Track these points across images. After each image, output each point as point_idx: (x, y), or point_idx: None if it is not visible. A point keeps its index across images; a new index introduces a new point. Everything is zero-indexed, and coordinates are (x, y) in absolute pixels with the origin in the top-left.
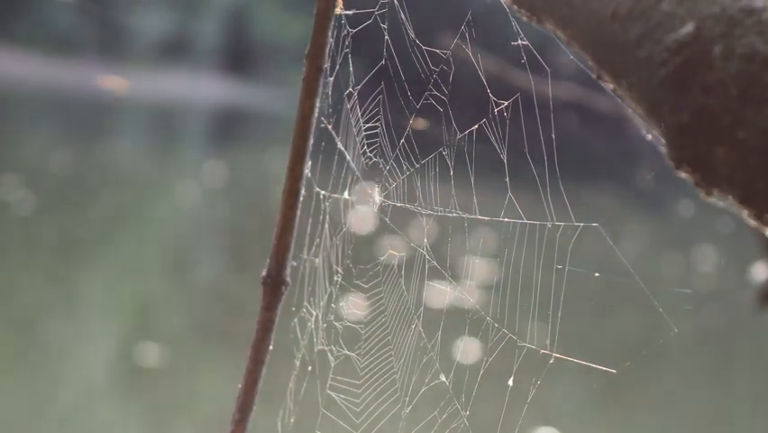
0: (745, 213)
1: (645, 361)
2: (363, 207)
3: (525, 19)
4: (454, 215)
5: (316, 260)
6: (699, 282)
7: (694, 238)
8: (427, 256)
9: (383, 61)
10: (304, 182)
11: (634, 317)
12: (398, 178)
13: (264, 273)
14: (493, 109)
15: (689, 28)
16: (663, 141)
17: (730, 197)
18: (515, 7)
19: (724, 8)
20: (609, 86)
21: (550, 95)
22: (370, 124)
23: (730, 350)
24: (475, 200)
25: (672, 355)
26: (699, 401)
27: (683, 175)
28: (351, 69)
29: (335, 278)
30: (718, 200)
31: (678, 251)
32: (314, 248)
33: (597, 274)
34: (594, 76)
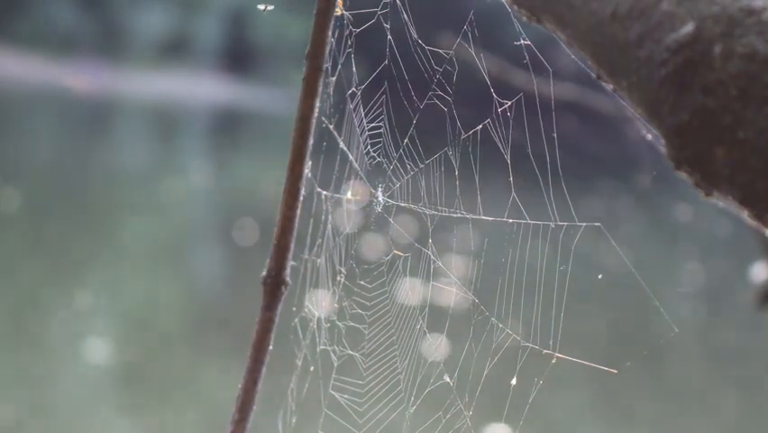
0: (745, 213)
1: (646, 361)
2: (366, 207)
3: (525, 19)
4: (458, 215)
5: (318, 260)
6: (699, 282)
7: (694, 238)
8: (432, 256)
9: (386, 61)
10: (304, 182)
11: (633, 317)
12: (402, 178)
13: (264, 273)
14: (497, 109)
15: (689, 28)
16: (663, 141)
17: (730, 197)
18: (515, 7)
19: (724, 8)
20: (609, 86)
21: (552, 95)
22: (373, 124)
23: (730, 350)
24: (479, 200)
25: (672, 355)
26: (698, 402)
27: (683, 175)
28: (353, 68)
29: (338, 278)
30: (718, 200)
31: (677, 251)
32: (315, 248)
33: (600, 276)
34: (594, 76)
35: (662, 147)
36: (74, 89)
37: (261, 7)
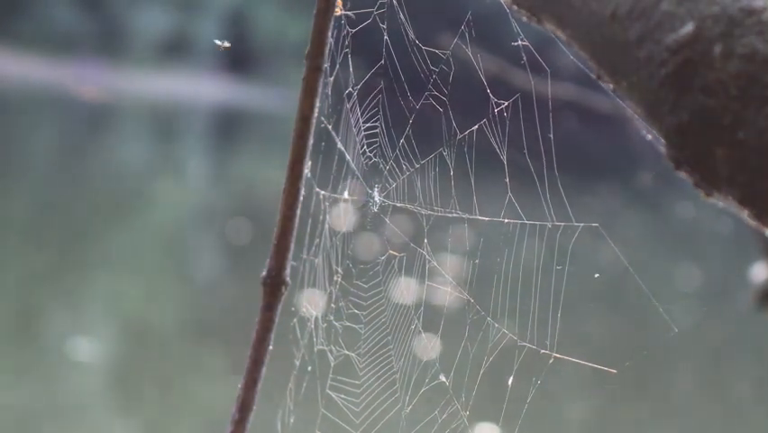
0: (744, 213)
1: (645, 361)
2: (363, 207)
3: (524, 19)
4: (454, 215)
5: (316, 260)
6: (699, 282)
7: (694, 238)
8: (427, 256)
9: (382, 61)
10: (304, 182)
11: (633, 318)
12: (398, 178)
13: (264, 273)
14: (493, 109)
15: (689, 28)
16: (663, 141)
17: (730, 197)
18: (514, 7)
19: (724, 8)
20: (609, 86)
21: (549, 95)
22: (369, 124)
23: (730, 350)
24: (475, 200)
25: (672, 356)
26: (697, 402)
27: (683, 175)
28: (350, 68)
29: (335, 278)
30: (718, 200)
31: (677, 251)
32: (313, 248)
33: (597, 275)
34: (594, 76)
35: (662, 147)
36: (82, 97)
37: (219, 42)
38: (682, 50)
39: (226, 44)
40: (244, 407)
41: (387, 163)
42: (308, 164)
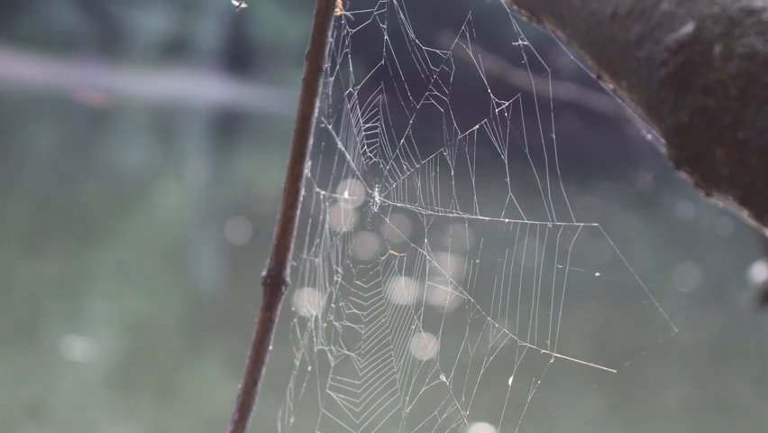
0: (744, 213)
1: (645, 361)
2: (363, 207)
3: (525, 19)
4: (455, 215)
5: (316, 260)
6: (699, 282)
7: (694, 238)
8: (428, 256)
9: (383, 61)
10: (304, 182)
11: (633, 317)
12: (399, 178)
13: (264, 273)
14: (494, 109)
15: (689, 28)
16: (663, 141)
17: (730, 197)
18: (515, 7)
19: (724, 8)
20: (609, 86)
21: (550, 95)
22: (369, 124)
23: (730, 350)
24: (475, 200)
25: (672, 355)
26: (698, 401)
27: (683, 175)
28: (351, 69)
29: (335, 278)
30: (718, 200)
31: (677, 251)
32: (314, 248)
33: (597, 274)
34: (594, 76)
35: (662, 147)
36: (82, 101)
37: (236, 3)
38: (682, 50)
39: (243, 5)
40: (244, 407)
41: (387, 163)
42: (308, 164)
